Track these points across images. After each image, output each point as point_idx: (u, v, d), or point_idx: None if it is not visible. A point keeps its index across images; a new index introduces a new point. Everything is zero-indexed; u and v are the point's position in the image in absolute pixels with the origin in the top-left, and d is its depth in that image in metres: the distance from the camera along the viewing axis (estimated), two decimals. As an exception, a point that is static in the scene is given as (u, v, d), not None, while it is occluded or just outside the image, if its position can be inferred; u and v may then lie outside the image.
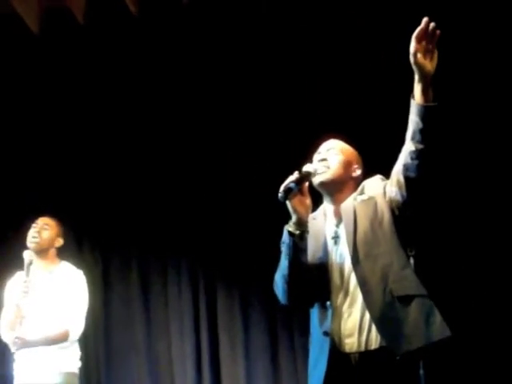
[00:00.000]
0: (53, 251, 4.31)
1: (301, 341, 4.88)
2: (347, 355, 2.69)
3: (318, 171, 2.84)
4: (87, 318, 5.22)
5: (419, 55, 2.50)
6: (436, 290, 2.80)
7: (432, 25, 2.47)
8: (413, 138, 2.59)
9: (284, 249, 2.77)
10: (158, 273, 5.31)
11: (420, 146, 2.57)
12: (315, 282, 2.76)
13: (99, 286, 5.30)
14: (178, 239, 5.26)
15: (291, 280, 2.73)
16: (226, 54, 5.07)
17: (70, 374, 4.14)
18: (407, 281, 2.69)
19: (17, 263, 4.27)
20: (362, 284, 2.67)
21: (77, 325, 4.17)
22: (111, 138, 5.36)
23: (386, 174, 2.84)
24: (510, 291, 4.29)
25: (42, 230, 4.26)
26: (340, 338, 2.71)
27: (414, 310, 2.63)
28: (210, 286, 5.17)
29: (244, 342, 5.03)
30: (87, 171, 5.37)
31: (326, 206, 2.93)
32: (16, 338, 3.96)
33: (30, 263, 4.09)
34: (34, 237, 4.23)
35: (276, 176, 2.81)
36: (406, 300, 2.64)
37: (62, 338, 4.11)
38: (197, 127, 5.21)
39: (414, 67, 2.53)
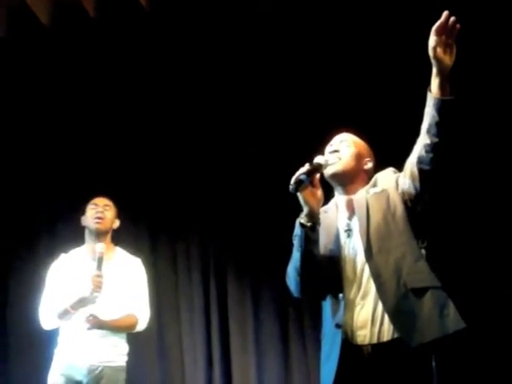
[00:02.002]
0: (110, 234, 4.19)
1: (311, 331, 4.90)
2: (359, 347, 2.70)
3: (330, 162, 2.84)
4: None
5: (438, 49, 2.50)
6: (448, 282, 2.80)
7: (452, 19, 2.47)
8: (428, 131, 2.59)
9: (296, 241, 2.77)
10: (169, 262, 5.32)
11: (435, 140, 2.58)
12: (327, 275, 2.76)
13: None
14: (188, 228, 5.28)
15: (303, 272, 2.73)
16: (241, 48, 5.08)
17: (118, 368, 4.04)
18: (421, 273, 2.70)
19: (62, 246, 4.31)
20: (376, 277, 2.68)
21: (145, 314, 4.11)
22: (123, 130, 5.37)
23: (398, 168, 2.84)
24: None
25: (105, 211, 4.15)
26: (352, 331, 2.71)
27: (428, 302, 2.63)
28: (220, 276, 5.19)
29: (255, 332, 5.05)
30: (102, 158, 5.39)
31: (338, 199, 2.93)
32: (90, 315, 3.85)
33: (102, 255, 3.96)
34: (99, 217, 4.11)
35: (290, 168, 2.81)
36: (420, 292, 2.65)
37: (132, 326, 4.06)
38: (211, 115, 5.24)
39: (432, 61, 2.53)
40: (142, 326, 4.10)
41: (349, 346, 2.69)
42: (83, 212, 4.21)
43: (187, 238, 5.28)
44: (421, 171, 2.66)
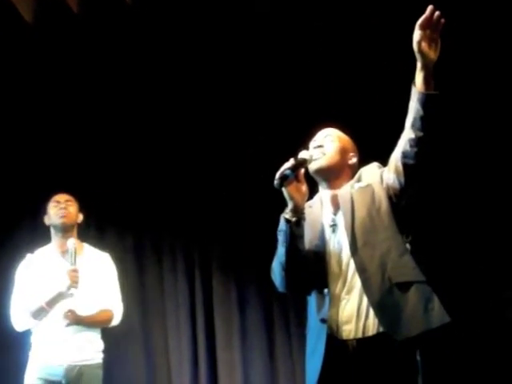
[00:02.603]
0: (75, 229, 4.13)
1: (297, 328, 4.92)
2: (344, 342, 2.70)
3: (314, 157, 2.84)
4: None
5: (423, 43, 2.50)
6: (433, 276, 2.81)
7: (437, 13, 2.47)
8: (413, 126, 2.59)
9: (280, 236, 2.76)
10: (154, 262, 5.32)
11: (419, 134, 2.58)
12: (312, 270, 2.76)
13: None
14: (172, 227, 5.28)
15: (288, 267, 2.73)
16: (234, 45, 5.08)
17: (96, 366, 4.00)
18: (406, 267, 2.70)
19: (26, 246, 4.24)
20: (361, 271, 2.68)
21: (119, 308, 4.09)
22: (110, 127, 5.35)
23: (382, 163, 2.85)
24: (507, 276, 4.32)
25: (68, 206, 4.10)
26: (337, 325, 2.71)
27: (412, 297, 2.64)
28: (205, 274, 5.20)
29: (240, 330, 5.07)
30: (86, 156, 5.36)
31: (323, 194, 2.93)
32: (69, 311, 3.80)
33: (76, 249, 3.91)
34: (61, 214, 4.05)
35: (273, 164, 2.80)
36: (405, 286, 2.65)
37: (107, 321, 4.04)
38: (197, 115, 5.25)
39: (417, 55, 2.53)
40: (116, 320, 4.08)
41: (334, 340, 2.69)
42: (45, 211, 4.15)
43: (172, 237, 5.27)
44: (405, 166, 2.66)
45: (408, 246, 2.79)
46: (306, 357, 2.83)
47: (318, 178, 2.92)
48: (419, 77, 2.56)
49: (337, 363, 2.68)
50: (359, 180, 2.85)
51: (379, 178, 2.80)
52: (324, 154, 2.87)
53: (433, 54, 2.51)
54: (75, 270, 3.84)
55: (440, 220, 4.42)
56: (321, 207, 2.89)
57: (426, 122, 2.56)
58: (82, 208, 4.20)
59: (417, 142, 2.59)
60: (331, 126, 3.01)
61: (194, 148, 5.22)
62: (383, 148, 2.80)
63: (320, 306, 2.74)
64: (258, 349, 5.04)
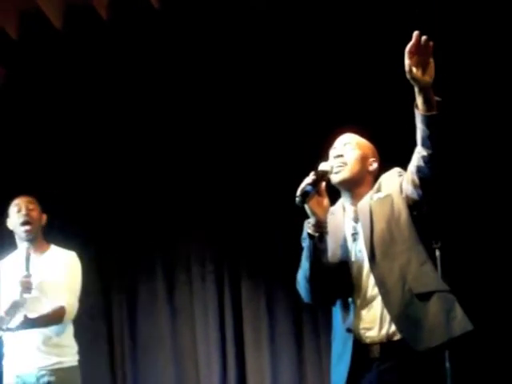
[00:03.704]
0: (41, 231, 4.01)
1: (326, 331, 4.84)
2: (369, 347, 2.69)
3: (335, 169, 2.81)
4: (113, 311, 5.33)
5: (414, 70, 2.49)
6: (463, 279, 2.79)
7: (424, 38, 2.46)
8: (422, 144, 2.59)
9: (304, 251, 2.77)
10: (183, 264, 5.31)
11: (430, 151, 2.57)
12: (336, 280, 2.75)
13: (125, 279, 5.34)
14: (202, 230, 5.26)
15: (313, 280, 2.73)
16: (246, 48, 5.08)
17: (70, 369, 3.89)
18: (426, 277, 2.69)
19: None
20: (380, 285, 2.67)
21: (72, 302, 3.90)
22: (135, 130, 5.37)
23: (402, 164, 2.82)
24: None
25: (30, 211, 3.95)
26: (362, 332, 2.70)
27: (433, 307, 2.63)
28: (234, 277, 5.18)
29: (269, 333, 5.04)
30: (111, 160, 5.38)
31: (345, 201, 2.91)
32: (23, 316, 3.69)
33: (29, 255, 3.82)
34: (26, 221, 3.92)
35: (297, 170, 2.79)
36: (426, 297, 2.64)
37: (58, 316, 3.83)
38: (217, 117, 5.21)
39: (411, 81, 2.52)
40: (69, 315, 3.88)
41: (360, 348, 2.68)
42: (7, 214, 4.03)
43: (201, 242, 5.27)
44: (421, 180, 2.65)
45: (438, 251, 2.77)
46: (332, 364, 2.83)
47: (339, 188, 2.90)
48: (419, 100, 2.55)
49: (363, 370, 2.68)
50: (379, 190, 2.83)
51: (398, 187, 2.77)
52: (345, 164, 2.83)
53: (427, 78, 2.50)
54: (27, 276, 3.77)
55: (465, 226, 4.38)
56: (343, 214, 2.88)
57: (433, 140, 2.55)
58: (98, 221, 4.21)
59: (429, 159, 2.59)
60: (349, 130, 2.98)
61: (225, 153, 5.21)
62: (403, 148, 2.78)
63: (345, 316, 2.74)
64: (287, 354, 5.01)
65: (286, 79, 5.00)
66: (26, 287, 3.75)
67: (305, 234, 2.77)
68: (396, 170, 2.85)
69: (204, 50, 5.16)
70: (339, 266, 2.76)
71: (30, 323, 3.74)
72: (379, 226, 2.73)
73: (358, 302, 2.72)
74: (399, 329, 2.62)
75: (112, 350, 5.29)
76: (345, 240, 2.80)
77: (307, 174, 2.69)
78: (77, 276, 4.01)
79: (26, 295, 3.76)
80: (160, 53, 5.24)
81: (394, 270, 2.67)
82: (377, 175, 2.90)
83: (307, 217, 2.76)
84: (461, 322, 2.63)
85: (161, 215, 5.31)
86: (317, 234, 2.69)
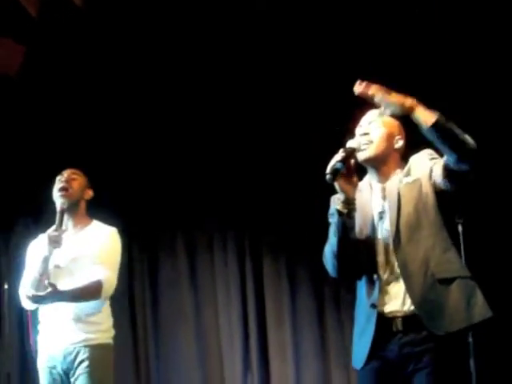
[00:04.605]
0: (83, 205, 3.83)
1: (348, 308, 4.91)
2: (393, 321, 2.71)
3: (362, 147, 2.81)
4: (136, 287, 5.37)
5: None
6: (485, 255, 2.80)
7: (356, 90, 2.60)
8: (443, 150, 2.63)
9: (332, 226, 2.78)
10: (205, 241, 5.37)
11: (454, 156, 2.59)
12: (363, 256, 2.78)
13: (146, 256, 5.38)
14: (223, 208, 5.30)
15: (340, 255, 2.75)
16: (248, 45, 5.09)
17: (101, 346, 3.69)
18: (449, 263, 2.71)
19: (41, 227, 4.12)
20: (403, 268, 2.70)
21: (110, 277, 3.68)
22: (153, 115, 5.38)
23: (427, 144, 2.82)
24: None
25: (71, 180, 3.77)
26: (385, 307, 2.72)
27: (455, 292, 2.66)
28: (256, 254, 5.23)
29: (291, 309, 5.08)
30: (130, 139, 5.39)
31: (371, 178, 2.92)
32: (49, 283, 3.49)
33: (63, 211, 3.66)
34: (62, 188, 3.74)
35: (321, 148, 2.80)
36: (448, 282, 2.67)
37: (95, 291, 3.62)
38: (235, 104, 5.24)
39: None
40: (107, 291, 3.68)
41: (383, 320, 2.71)
42: None
43: (222, 219, 5.30)
44: (450, 179, 2.67)
45: (460, 226, 2.78)
46: (354, 338, 2.85)
47: (366, 166, 2.90)
48: (416, 121, 2.59)
49: (385, 343, 2.70)
50: (408, 173, 2.82)
51: (428, 171, 2.77)
52: (371, 142, 2.83)
53: (401, 110, 2.58)
54: (56, 230, 3.61)
55: (489, 201, 4.37)
56: (370, 191, 2.88)
57: (450, 144, 2.57)
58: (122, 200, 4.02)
59: (454, 162, 2.60)
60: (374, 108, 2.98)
61: (243, 136, 5.23)
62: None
63: (370, 291, 2.76)
64: (309, 328, 5.05)
65: (287, 73, 5.02)
66: (54, 241, 3.58)
67: (332, 210, 2.79)
68: (427, 152, 2.83)
69: (207, 45, 5.14)
70: (366, 242, 2.78)
71: (60, 295, 3.55)
72: (406, 209, 2.74)
73: (384, 278, 2.74)
74: (419, 313, 2.64)
75: (134, 325, 5.33)
76: (372, 218, 2.81)
77: (326, 152, 2.71)
78: (117, 251, 3.82)
79: (55, 250, 3.59)
80: (173, 44, 5.23)
81: (417, 254, 2.69)
82: (403, 153, 2.90)
83: (327, 193, 2.78)
84: (481, 309, 2.67)
85: (183, 193, 5.35)
86: (346, 211, 2.70)
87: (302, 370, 5.01)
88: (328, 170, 2.66)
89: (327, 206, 2.86)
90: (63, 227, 3.65)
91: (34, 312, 3.81)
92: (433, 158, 2.79)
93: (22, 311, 4.35)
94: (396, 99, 2.59)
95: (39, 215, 5.05)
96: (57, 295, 3.53)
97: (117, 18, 5.14)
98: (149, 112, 5.37)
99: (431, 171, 2.76)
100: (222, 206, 5.29)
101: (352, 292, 4.96)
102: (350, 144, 2.77)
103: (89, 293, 3.63)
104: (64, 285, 3.59)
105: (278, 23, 4.94)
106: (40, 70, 5.30)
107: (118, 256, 3.81)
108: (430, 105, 2.65)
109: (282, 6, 4.88)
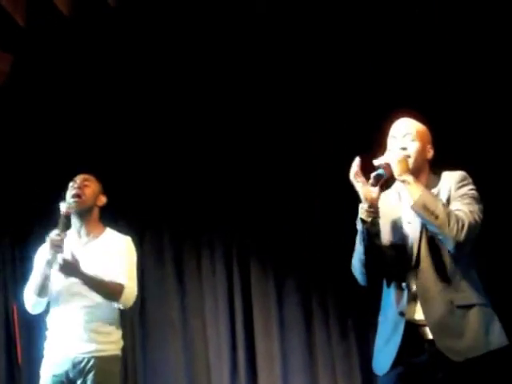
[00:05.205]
0: (96, 212, 3.82)
1: (336, 319, 4.91)
2: (422, 329, 2.76)
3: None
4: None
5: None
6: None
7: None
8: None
9: (358, 235, 2.82)
10: (192, 249, 5.32)
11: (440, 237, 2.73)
12: (391, 264, 2.83)
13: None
14: (210, 219, 5.27)
15: (368, 264, 2.80)
16: (249, 46, 5.11)
17: (111, 358, 3.68)
18: (469, 290, 2.76)
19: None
20: (422, 292, 2.75)
21: (131, 286, 3.68)
22: (145, 118, 5.37)
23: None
24: None
25: (84, 187, 3.75)
26: (415, 316, 2.77)
27: (474, 319, 2.72)
28: (243, 262, 5.19)
29: (278, 319, 5.06)
30: (119, 147, 5.37)
31: (401, 188, 2.93)
32: (72, 255, 3.49)
33: (67, 215, 3.63)
34: (75, 194, 3.71)
35: (309, 158, 2.80)
36: (466, 309, 2.73)
37: (116, 292, 3.60)
38: (232, 107, 5.23)
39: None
40: (127, 298, 3.66)
41: (411, 328, 2.76)
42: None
43: (210, 228, 5.27)
44: None
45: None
46: (377, 345, 2.90)
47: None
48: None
49: (414, 351, 2.75)
50: (438, 191, 2.86)
51: (447, 196, 2.82)
52: (408, 157, 2.86)
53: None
54: (58, 235, 3.56)
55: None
56: (399, 199, 2.93)
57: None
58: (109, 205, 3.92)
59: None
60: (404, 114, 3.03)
61: (233, 139, 5.22)
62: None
63: (399, 299, 2.80)
64: (297, 339, 5.03)
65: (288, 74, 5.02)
66: (55, 245, 3.53)
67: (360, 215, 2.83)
68: (458, 178, 2.88)
69: (208, 48, 5.16)
70: (395, 249, 2.84)
71: (80, 273, 3.52)
72: (429, 232, 2.79)
73: (413, 286, 2.78)
74: (435, 337, 2.70)
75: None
76: (401, 226, 2.87)
77: (312, 161, 2.74)
78: (134, 262, 3.81)
79: (57, 254, 3.53)
80: (169, 43, 5.23)
81: (438, 278, 2.75)
82: (432, 161, 2.95)
83: (315, 203, 2.80)
84: (498, 337, 2.73)
85: (170, 202, 5.32)
86: (369, 220, 2.75)
87: (289, 380, 4.98)
88: (373, 174, 2.75)
89: (316, 215, 2.88)
90: (66, 231, 3.64)
91: (40, 318, 3.80)
92: (460, 187, 2.84)
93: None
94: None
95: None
96: (76, 270, 3.51)
97: (122, 21, 5.15)
98: (135, 119, 5.37)
99: (450, 199, 2.82)
100: (210, 214, 5.26)
101: (340, 300, 5.01)
102: (390, 158, 2.82)
103: (110, 290, 3.61)
104: (80, 296, 3.59)
105: (277, 26, 4.96)
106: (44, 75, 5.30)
107: (135, 266, 3.80)
108: (430, 104, 2.70)
109: (282, 8, 4.89)
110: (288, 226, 5.00)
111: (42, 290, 3.64)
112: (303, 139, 4.95)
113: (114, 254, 3.70)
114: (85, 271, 3.55)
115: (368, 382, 4.80)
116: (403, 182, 2.73)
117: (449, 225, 2.65)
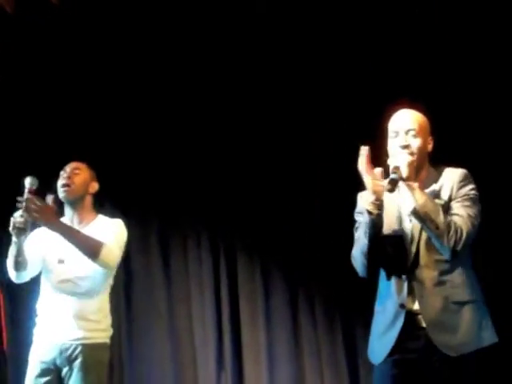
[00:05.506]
0: (89, 199, 3.78)
1: (322, 309, 4.94)
2: (420, 318, 2.80)
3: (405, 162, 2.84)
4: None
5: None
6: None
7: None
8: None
9: (362, 227, 2.84)
10: (178, 240, 5.33)
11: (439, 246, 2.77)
12: (392, 256, 2.86)
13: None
14: (197, 206, 5.27)
15: (370, 255, 2.82)
16: (249, 46, 5.11)
17: (99, 346, 3.66)
18: (464, 286, 2.80)
19: None
20: (419, 287, 2.79)
21: (112, 247, 3.60)
22: (139, 105, 5.36)
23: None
24: None
25: (74, 175, 3.72)
26: (414, 306, 2.81)
27: (467, 315, 2.77)
28: (230, 253, 5.21)
29: (265, 310, 5.08)
30: (109, 137, 5.35)
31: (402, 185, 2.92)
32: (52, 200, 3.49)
33: (30, 192, 3.49)
34: (64, 184, 3.70)
35: (298, 152, 2.82)
36: (461, 305, 2.77)
37: (94, 248, 3.53)
38: (230, 103, 5.24)
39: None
40: (107, 256, 3.58)
41: (410, 317, 2.79)
42: None
43: (197, 218, 5.28)
44: None
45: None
46: (373, 335, 2.93)
47: None
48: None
49: (411, 338, 2.79)
50: (439, 192, 2.88)
51: (447, 204, 2.84)
52: (412, 155, 2.86)
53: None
54: (21, 216, 3.46)
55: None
56: (398, 194, 2.91)
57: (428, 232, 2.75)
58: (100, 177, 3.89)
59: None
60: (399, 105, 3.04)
61: (221, 134, 5.23)
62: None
63: (399, 290, 2.83)
64: (283, 329, 5.06)
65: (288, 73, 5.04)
66: (18, 227, 3.46)
67: (361, 209, 2.86)
68: (460, 177, 2.89)
69: (208, 48, 5.16)
70: (395, 241, 2.86)
71: (59, 224, 3.53)
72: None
73: (412, 279, 2.81)
74: (431, 333, 2.75)
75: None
76: (400, 218, 2.90)
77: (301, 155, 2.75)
78: (122, 235, 3.76)
79: (25, 218, 3.45)
80: (168, 39, 5.22)
81: (434, 276, 2.79)
82: (431, 153, 2.97)
83: (302, 195, 2.82)
84: (490, 333, 2.79)
85: (157, 191, 5.31)
86: (376, 212, 2.77)
87: (275, 370, 5.01)
88: (387, 180, 2.75)
89: (302, 206, 2.89)
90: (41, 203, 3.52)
91: (27, 303, 3.85)
92: (461, 187, 2.86)
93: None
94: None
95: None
96: (52, 217, 3.51)
97: (114, 15, 5.13)
98: (127, 107, 5.35)
99: (448, 208, 2.83)
100: (197, 204, 5.26)
101: (326, 292, 5.04)
102: (399, 161, 2.82)
103: (89, 244, 3.56)
104: (70, 283, 3.59)
105: (277, 26, 4.97)
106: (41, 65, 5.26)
107: (123, 239, 3.76)
108: (429, 105, 2.73)
109: (282, 8, 4.90)
110: (275, 216, 5.03)
111: (17, 266, 3.60)
112: (303, 138, 4.95)
113: (103, 232, 3.67)
114: (65, 223, 3.56)
115: (354, 371, 4.85)
116: (408, 185, 2.75)
117: (448, 235, 2.71)
